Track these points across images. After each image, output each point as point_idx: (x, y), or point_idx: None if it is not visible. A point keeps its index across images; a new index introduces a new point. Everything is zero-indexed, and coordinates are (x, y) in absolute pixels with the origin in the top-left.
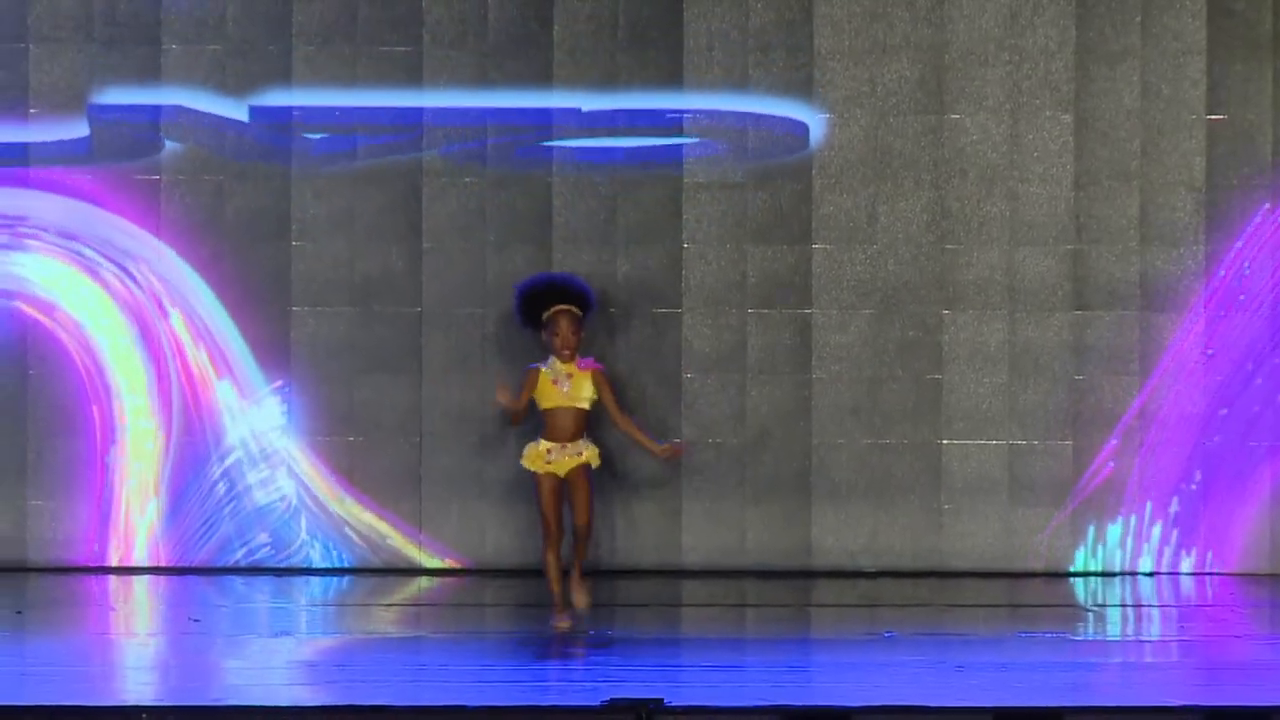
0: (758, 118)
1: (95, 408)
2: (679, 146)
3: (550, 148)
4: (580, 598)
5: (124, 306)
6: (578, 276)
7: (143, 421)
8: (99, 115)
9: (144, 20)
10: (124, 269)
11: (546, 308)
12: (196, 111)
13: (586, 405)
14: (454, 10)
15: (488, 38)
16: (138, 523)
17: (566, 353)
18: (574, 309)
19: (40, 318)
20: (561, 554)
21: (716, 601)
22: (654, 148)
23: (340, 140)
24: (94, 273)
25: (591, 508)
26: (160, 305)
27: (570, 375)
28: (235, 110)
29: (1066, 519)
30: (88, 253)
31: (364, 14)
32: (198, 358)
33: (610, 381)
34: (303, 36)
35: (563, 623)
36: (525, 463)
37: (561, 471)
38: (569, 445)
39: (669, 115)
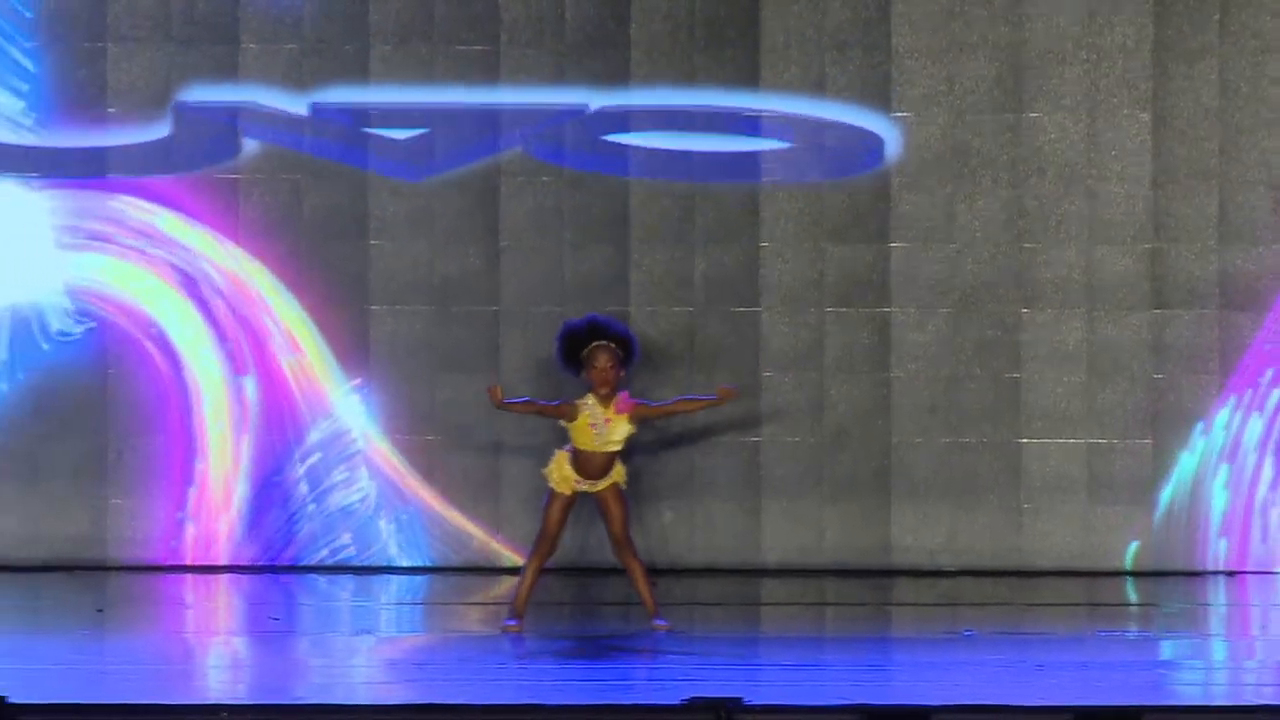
0: (835, 116)
1: (174, 407)
2: (756, 145)
3: (627, 146)
4: (658, 624)
5: (202, 306)
6: (621, 322)
7: (221, 421)
8: (180, 112)
9: (222, 19)
10: (201, 268)
11: (586, 346)
12: (273, 110)
13: (619, 448)
14: (531, 9)
15: (565, 37)
16: (217, 521)
17: (605, 390)
18: (613, 345)
19: (120, 318)
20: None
21: (795, 600)
22: (731, 146)
23: (418, 140)
24: (172, 273)
25: (627, 521)
26: (239, 305)
27: (608, 421)
28: (309, 109)
29: (1148, 518)
30: (165, 253)
31: (441, 13)
32: (277, 357)
33: (644, 403)
34: (379, 35)
35: (514, 627)
36: (550, 479)
37: (590, 490)
38: (597, 481)
39: (746, 114)
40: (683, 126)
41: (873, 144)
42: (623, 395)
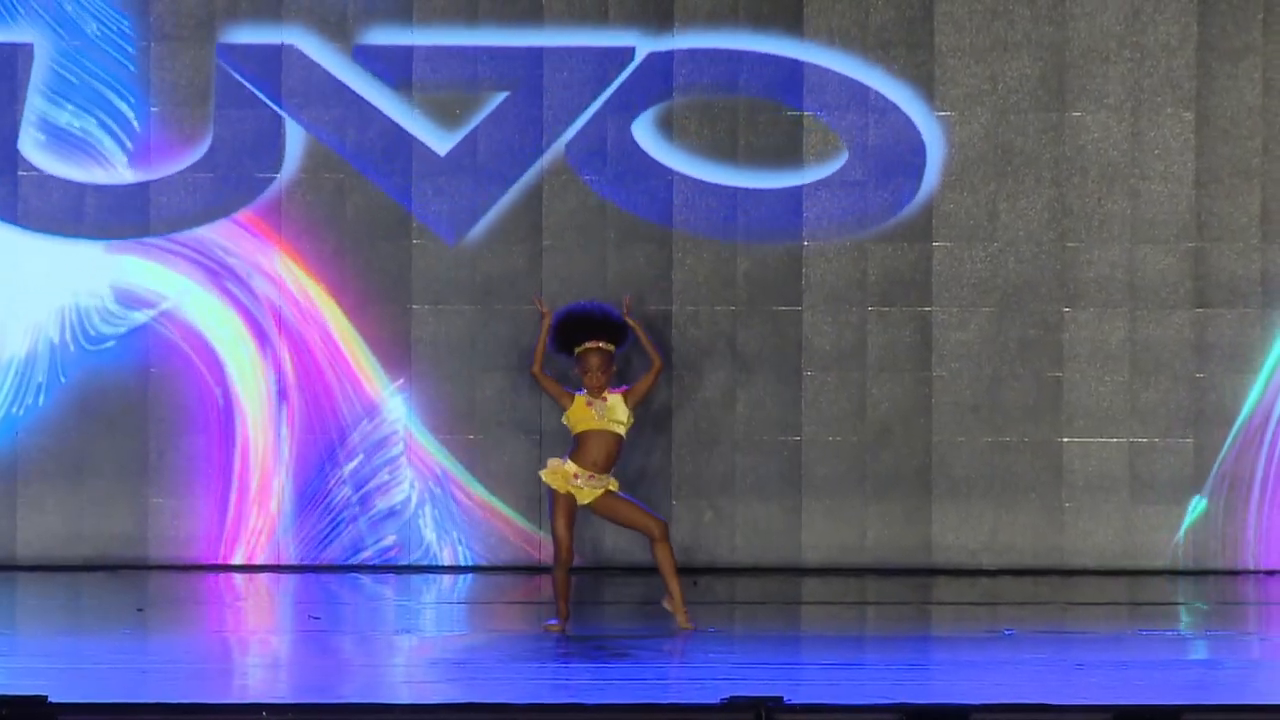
0: (879, 115)
1: (216, 406)
2: (799, 143)
3: (672, 147)
4: (683, 618)
5: (243, 306)
6: (614, 309)
7: (263, 419)
8: (223, 53)
9: None
10: (243, 268)
11: (579, 343)
12: (312, 60)
13: (621, 430)
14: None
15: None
16: (259, 521)
17: (596, 388)
18: (604, 345)
19: (161, 318)
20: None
21: (836, 599)
22: (774, 144)
23: (463, 140)
24: (212, 272)
25: (647, 511)
26: (280, 304)
27: (604, 400)
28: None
29: (1188, 517)
30: (206, 251)
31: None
32: (319, 357)
33: (658, 374)
34: None
35: (554, 626)
36: (546, 478)
37: (583, 500)
38: (597, 476)
39: (789, 112)
40: (727, 74)
41: (915, 137)
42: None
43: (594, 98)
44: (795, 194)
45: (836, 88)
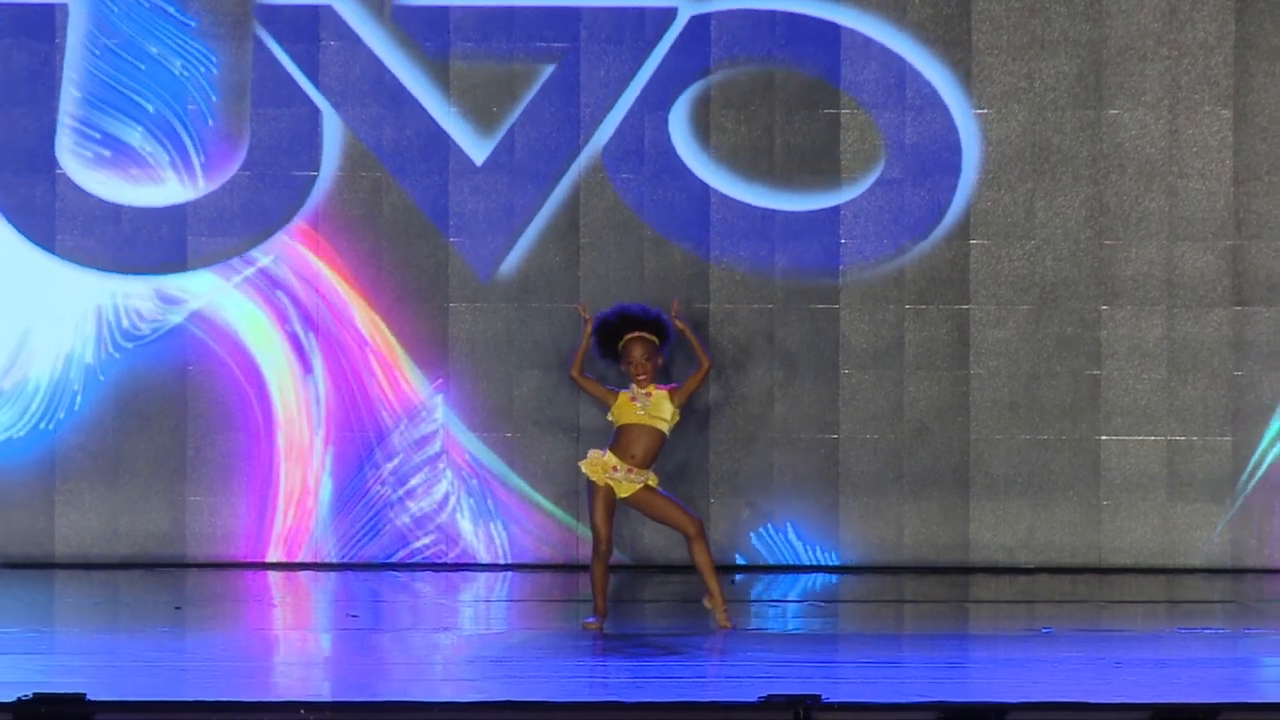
0: (915, 113)
1: (253, 405)
2: (836, 142)
3: (709, 147)
4: (722, 617)
5: (279, 304)
6: (654, 308)
7: (301, 418)
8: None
9: None
10: (278, 265)
11: (621, 337)
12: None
13: (665, 427)
14: None
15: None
16: (297, 519)
17: (642, 378)
18: (647, 335)
19: (198, 316)
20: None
21: (874, 597)
22: (810, 143)
23: (500, 142)
24: (252, 273)
25: (685, 510)
26: (318, 302)
27: (649, 394)
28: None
29: (1226, 515)
30: (242, 249)
31: None
32: (357, 355)
33: (704, 377)
34: None
35: (592, 624)
36: (586, 468)
37: (622, 494)
38: (636, 471)
39: (825, 111)
40: (766, 34)
41: (952, 135)
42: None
43: (634, 70)
44: (833, 193)
45: (877, 63)
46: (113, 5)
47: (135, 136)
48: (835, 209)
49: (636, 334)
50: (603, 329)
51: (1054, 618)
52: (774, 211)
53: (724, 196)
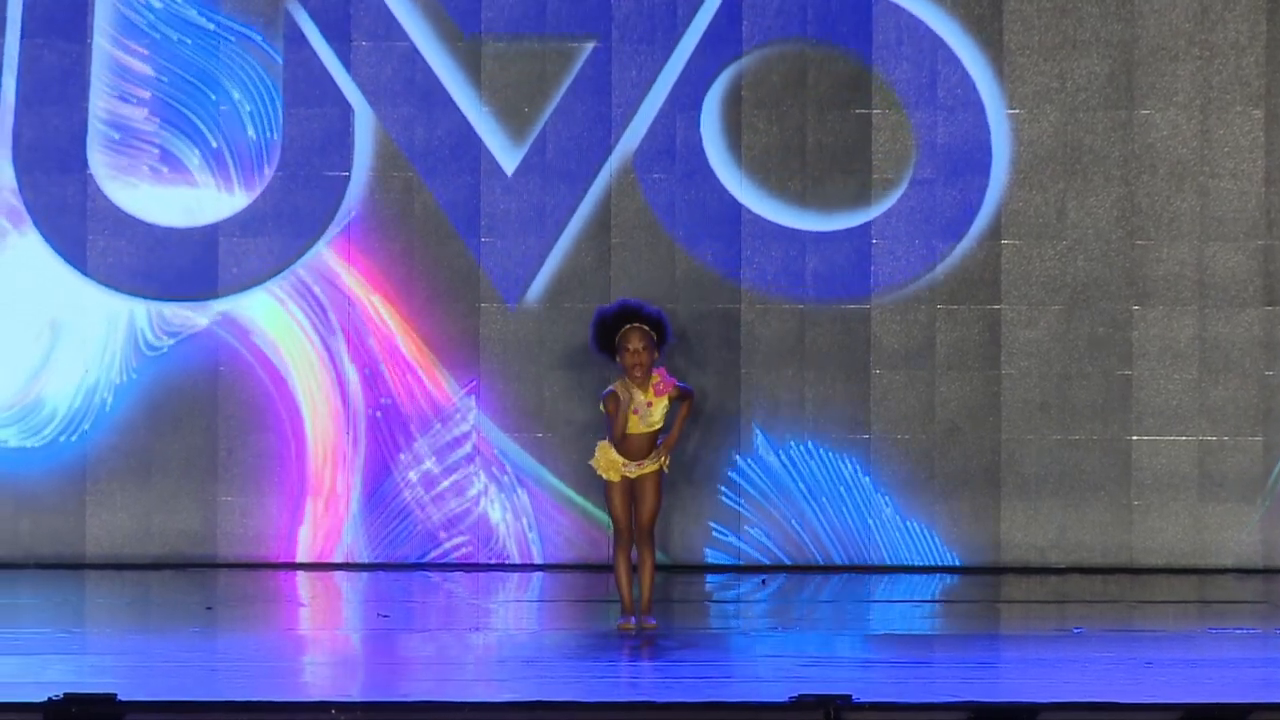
0: (947, 112)
1: (284, 405)
2: (867, 141)
3: (739, 148)
4: (646, 622)
5: (311, 304)
6: (652, 305)
7: (332, 417)
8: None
9: None
10: (310, 264)
11: (617, 330)
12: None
13: (661, 425)
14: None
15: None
16: (329, 519)
17: (638, 372)
18: (644, 327)
19: (228, 317)
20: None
21: (904, 598)
22: (842, 143)
23: (533, 145)
24: (283, 275)
25: (658, 511)
26: (350, 301)
27: (649, 404)
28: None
29: (1257, 515)
30: (274, 248)
31: None
32: (388, 355)
33: (691, 407)
34: None
35: (627, 625)
36: (601, 471)
37: (633, 475)
38: (643, 463)
39: (856, 110)
40: (798, 13)
41: (984, 135)
42: (660, 372)
43: (666, 56)
44: (864, 193)
45: (910, 49)
46: (142, 8)
47: (169, 140)
48: (867, 209)
49: (634, 324)
50: (599, 324)
51: (1085, 618)
52: (807, 212)
53: (756, 196)
